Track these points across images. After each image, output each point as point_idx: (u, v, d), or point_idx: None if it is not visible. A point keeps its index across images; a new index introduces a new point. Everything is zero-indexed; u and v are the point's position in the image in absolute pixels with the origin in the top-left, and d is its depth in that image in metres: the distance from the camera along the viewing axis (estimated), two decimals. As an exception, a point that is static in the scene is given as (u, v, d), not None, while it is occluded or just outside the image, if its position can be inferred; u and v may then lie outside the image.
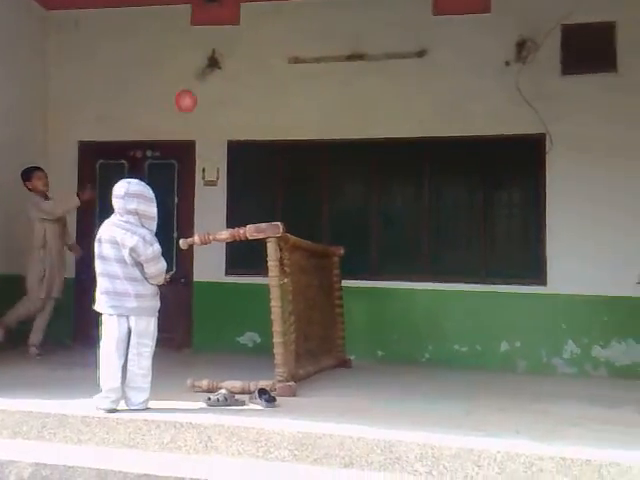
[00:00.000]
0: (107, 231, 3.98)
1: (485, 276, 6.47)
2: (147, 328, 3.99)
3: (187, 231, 6.31)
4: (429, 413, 4.09)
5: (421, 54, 6.76)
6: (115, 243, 3.93)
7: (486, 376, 5.79)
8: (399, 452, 3.34)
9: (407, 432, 3.47)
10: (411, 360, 6.45)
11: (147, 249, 3.95)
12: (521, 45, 6.53)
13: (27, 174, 6.38)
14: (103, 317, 3.95)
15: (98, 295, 3.97)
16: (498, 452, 3.21)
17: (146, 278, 3.97)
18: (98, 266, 3.98)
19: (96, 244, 4.00)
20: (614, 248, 6.17)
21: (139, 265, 3.94)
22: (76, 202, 6.31)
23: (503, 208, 6.71)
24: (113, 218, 4.02)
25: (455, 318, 6.49)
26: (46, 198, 6.34)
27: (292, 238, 4.93)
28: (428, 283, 6.55)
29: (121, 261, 3.92)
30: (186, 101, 6.59)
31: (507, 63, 6.56)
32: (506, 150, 6.57)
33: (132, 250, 3.91)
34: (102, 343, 3.93)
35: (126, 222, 3.98)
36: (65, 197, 6.43)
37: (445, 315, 6.52)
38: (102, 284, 3.96)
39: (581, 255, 6.25)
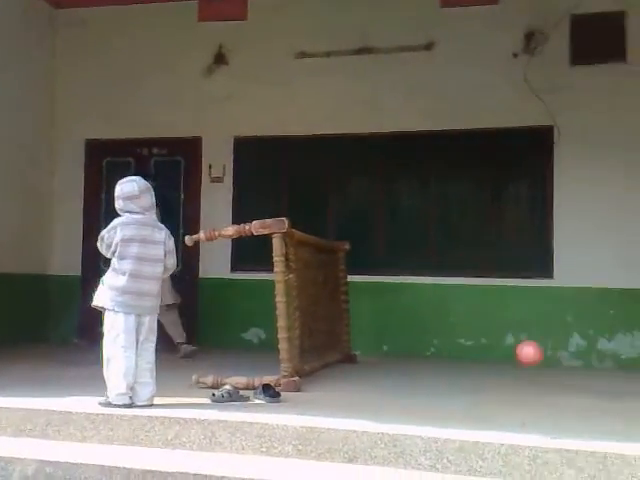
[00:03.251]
0: (140, 230, 3.89)
1: (491, 270, 6.44)
2: (154, 324, 4.00)
3: (193, 228, 6.30)
4: (433, 407, 4.07)
5: (429, 47, 6.73)
6: (154, 242, 3.93)
7: (491, 369, 5.77)
8: (403, 446, 3.31)
9: (411, 426, 3.44)
10: (416, 354, 6.46)
11: (170, 240, 4.03)
12: (529, 36, 6.50)
13: None
14: (110, 314, 3.90)
15: (118, 294, 3.86)
16: (502, 445, 3.17)
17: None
18: (127, 265, 3.86)
19: (125, 244, 3.87)
20: (620, 240, 6.14)
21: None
22: None
23: (510, 201, 6.70)
24: (137, 217, 3.92)
25: (461, 312, 6.48)
26: None
27: (297, 233, 4.91)
28: (434, 277, 6.55)
29: (158, 260, 3.93)
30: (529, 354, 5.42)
31: (515, 55, 6.52)
32: (513, 143, 6.55)
33: (166, 245, 3.97)
34: (111, 340, 3.89)
35: (153, 219, 4.00)
36: None
37: (451, 309, 6.51)
38: (127, 284, 3.85)
39: (588, 248, 6.23)
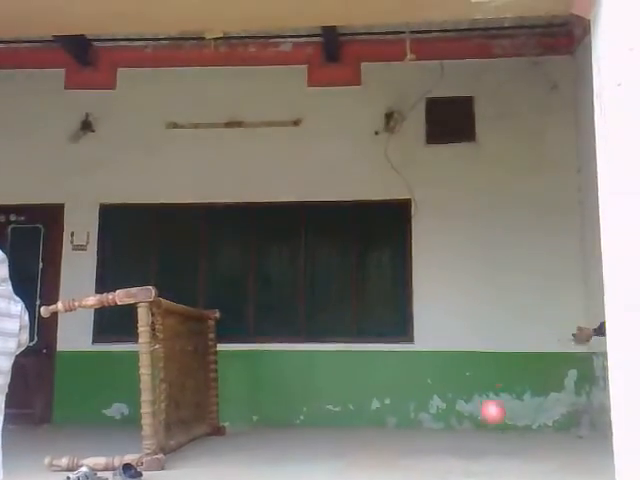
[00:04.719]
0: None
1: (356, 336, 6.63)
2: (1, 404, 3.71)
3: (52, 298, 5.99)
4: (301, 476, 4.06)
5: (297, 123, 7.01)
6: (10, 316, 3.67)
7: (358, 434, 5.87)
8: (269, 520, 3.26)
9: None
10: (286, 423, 6.42)
11: (26, 314, 3.78)
12: (389, 116, 6.94)
13: None
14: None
15: None
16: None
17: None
18: None
19: None
20: (474, 305, 6.53)
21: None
22: None
23: (373, 269, 6.97)
24: None
25: (328, 378, 6.57)
26: None
27: (165, 302, 4.84)
28: (303, 344, 6.62)
29: (12, 335, 3.68)
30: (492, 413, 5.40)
31: (376, 133, 6.94)
32: (375, 214, 6.91)
33: (22, 319, 3.71)
34: None
35: (9, 290, 3.76)
36: None
37: (319, 375, 6.59)
38: None
39: (444, 313, 6.57)
